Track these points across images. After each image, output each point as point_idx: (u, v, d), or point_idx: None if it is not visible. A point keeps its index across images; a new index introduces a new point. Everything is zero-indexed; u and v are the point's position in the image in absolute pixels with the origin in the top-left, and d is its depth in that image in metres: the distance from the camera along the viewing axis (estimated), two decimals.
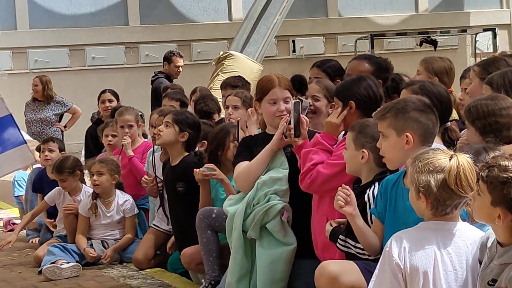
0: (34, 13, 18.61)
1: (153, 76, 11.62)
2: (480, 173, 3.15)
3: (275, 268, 4.85)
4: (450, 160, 3.35)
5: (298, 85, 5.91)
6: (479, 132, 4.25)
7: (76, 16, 19.06)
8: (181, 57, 11.77)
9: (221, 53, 12.54)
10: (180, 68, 11.50)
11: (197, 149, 6.42)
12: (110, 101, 9.61)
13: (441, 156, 3.43)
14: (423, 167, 3.43)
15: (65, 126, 12.49)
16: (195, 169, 5.80)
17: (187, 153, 6.29)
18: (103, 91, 9.95)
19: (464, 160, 3.30)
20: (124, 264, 6.76)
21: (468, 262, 3.36)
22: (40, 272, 6.39)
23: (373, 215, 4.06)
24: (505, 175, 3.06)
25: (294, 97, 5.06)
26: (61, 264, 6.37)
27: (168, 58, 11.65)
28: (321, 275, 4.04)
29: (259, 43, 13.18)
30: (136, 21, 19.64)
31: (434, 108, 4.08)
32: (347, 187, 4.04)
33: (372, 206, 4.09)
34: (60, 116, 12.48)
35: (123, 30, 19.45)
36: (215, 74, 12.30)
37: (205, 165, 5.56)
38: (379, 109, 4.36)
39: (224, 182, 5.59)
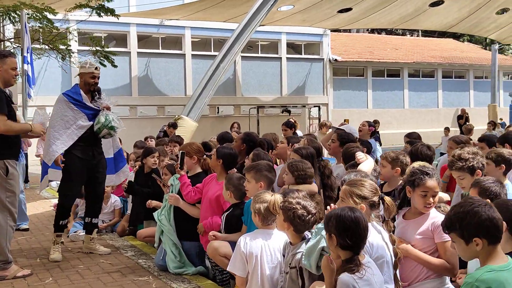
0: None
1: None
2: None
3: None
4: (271, 196, 3.36)
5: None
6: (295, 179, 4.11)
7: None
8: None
9: (177, 116, 12.27)
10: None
11: None
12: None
13: (267, 194, 3.44)
14: (258, 200, 3.44)
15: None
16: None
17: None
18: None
19: (277, 197, 3.31)
20: (113, 232, 6.42)
21: (279, 250, 3.30)
22: (67, 236, 6.07)
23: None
24: (289, 206, 3.03)
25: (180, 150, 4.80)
26: (79, 233, 6.09)
27: (172, 125, 10.47)
28: (209, 247, 3.95)
29: (197, 109, 12.88)
30: (135, 93, 19.16)
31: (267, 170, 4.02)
32: (214, 233, 3.96)
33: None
34: None
35: (128, 98, 18.84)
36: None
37: None
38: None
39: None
